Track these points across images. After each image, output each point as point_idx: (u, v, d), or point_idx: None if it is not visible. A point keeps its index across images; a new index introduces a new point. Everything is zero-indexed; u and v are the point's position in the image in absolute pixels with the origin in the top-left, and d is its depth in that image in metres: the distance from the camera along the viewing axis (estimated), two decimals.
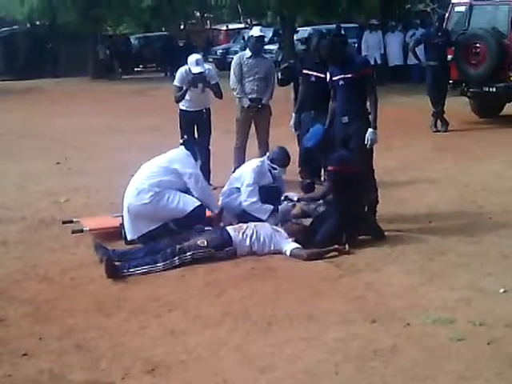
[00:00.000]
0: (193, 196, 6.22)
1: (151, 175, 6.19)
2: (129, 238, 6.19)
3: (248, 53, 8.41)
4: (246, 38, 20.88)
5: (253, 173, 6.41)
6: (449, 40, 11.55)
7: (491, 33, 11.25)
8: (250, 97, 8.30)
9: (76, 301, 5.04)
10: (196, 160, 6.42)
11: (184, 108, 8.27)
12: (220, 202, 6.60)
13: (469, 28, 11.76)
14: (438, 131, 11.51)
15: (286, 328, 4.41)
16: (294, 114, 7.59)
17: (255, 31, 8.57)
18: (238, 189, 6.49)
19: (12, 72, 28.81)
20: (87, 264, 5.78)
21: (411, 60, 14.71)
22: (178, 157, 6.33)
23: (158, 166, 6.29)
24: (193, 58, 8.08)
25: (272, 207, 6.31)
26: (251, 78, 8.31)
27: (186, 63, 8.09)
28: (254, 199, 6.32)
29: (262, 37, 8.55)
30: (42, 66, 29.33)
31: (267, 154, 6.78)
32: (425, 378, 3.70)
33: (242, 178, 6.47)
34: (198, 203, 6.15)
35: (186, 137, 6.69)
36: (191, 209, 6.10)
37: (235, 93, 8.40)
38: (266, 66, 8.43)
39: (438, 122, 11.60)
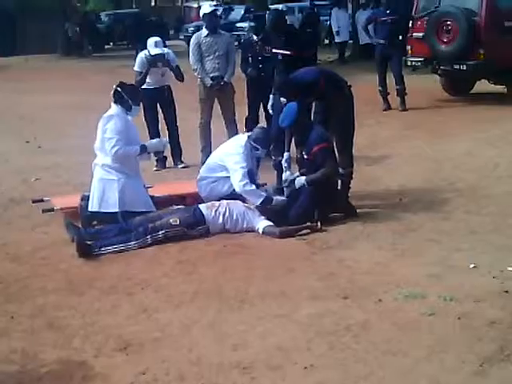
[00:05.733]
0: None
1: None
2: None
3: (205, 31, 8.23)
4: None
5: (242, 155, 6.17)
6: (400, 19, 11.64)
7: (462, 10, 11.29)
8: (211, 75, 8.15)
9: (47, 280, 5.01)
10: (130, 108, 6.28)
11: (145, 86, 8.19)
12: (201, 174, 6.48)
13: (440, 5, 11.79)
14: (387, 110, 11.60)
15: (258, 305, 4.43)
16: (271, 96, 7.17)
17: (205, 8, 8.37)
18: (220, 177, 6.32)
19: None
20: (58, 243, 5.74)
21: None
22: (108, 125, 6.28)
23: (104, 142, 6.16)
24: (151, 40, 8.21)
25: (265, 194, 6.09)
26: (211, 57, 8.15)
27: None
28: (246, 181, 6.04)
29: (214, 13, 8.32)
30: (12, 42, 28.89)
31: (249, 134, 6.48)
32: (396, 353, 3.74)
33: (229, 161, 6.20)
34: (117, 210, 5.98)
35: (114, 86, 6.48)
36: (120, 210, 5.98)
37: (196, 73, 8.26)
38: (225, 42, 8.26)
39: (405, 99, 11.63)
